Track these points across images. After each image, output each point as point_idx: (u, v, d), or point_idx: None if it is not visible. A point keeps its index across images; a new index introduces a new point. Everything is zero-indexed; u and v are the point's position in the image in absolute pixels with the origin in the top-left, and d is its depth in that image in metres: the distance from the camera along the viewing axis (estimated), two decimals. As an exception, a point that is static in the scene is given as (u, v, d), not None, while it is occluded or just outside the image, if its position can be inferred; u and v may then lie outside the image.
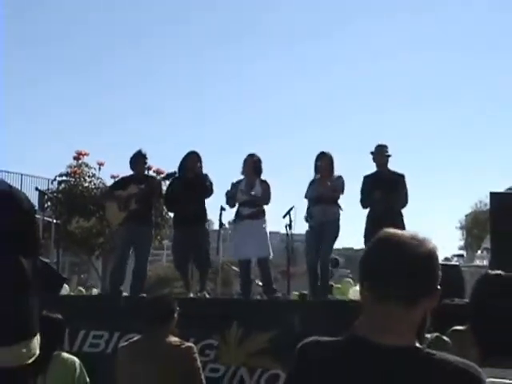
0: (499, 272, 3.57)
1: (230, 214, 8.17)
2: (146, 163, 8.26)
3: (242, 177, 8.03)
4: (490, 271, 3.60)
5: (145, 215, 7.91)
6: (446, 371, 1.67)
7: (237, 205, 7.92)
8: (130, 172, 8.14)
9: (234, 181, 8.01)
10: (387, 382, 1.66)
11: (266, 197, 7.89)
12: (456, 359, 1.73)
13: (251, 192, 7.77)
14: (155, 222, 13.88)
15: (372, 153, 7.96)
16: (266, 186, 7.92)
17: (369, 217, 7.72)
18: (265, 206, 7.96)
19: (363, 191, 7.92)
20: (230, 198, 7.90)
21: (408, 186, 7.88)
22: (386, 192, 7.53)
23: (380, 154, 7.91)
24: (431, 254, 1.76)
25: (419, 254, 1.73)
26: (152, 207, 8.31)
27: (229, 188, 7.96)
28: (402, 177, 7.88)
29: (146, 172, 8.35)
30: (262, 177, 8.04)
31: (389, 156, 7.95)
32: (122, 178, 8.40)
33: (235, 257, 8.62)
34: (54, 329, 4.28)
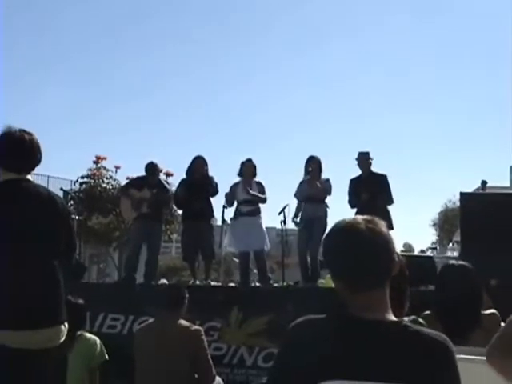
0: (461, 263, 3.62)
1: (231, 211, 8.19)
2: (158, 173, 8.26)
3: (238, 179, 8.00)
4: (450, 261, 3.65)
5: (157, 216, 7.95)
6: (420, 339, 1.69)
7: (235, 203, 7.94)
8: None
9: (232, 183, 8.00)
10: (370, 350, 1.66)
11: (263, 196, 7.93)
12: (429, 331, 1.75)
13: (250, 191, 7.80)
14: (165, 218, 13.98)
15: (356, 159, 7.96)
16: (261, 186, 7.94)
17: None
18: (261, 205, 7.95)
19: (350, 193, 7.89)
20: (229, 198, 7.92)
21: (391, 184, 7.84)
22: (372, 193, 7.52)
23: (363, 160, 7.91)
24: (385, 235, 1.74)
25: (375, 240, 1.72)
26: (163, 208, 8.33)
27: (227, 190, 7.96)
28: (384, 177, 7.85)
29: (157, 178, 8.33)
30: (256, 179, 8.05)
31: (371, 160, 7.96)
32: (138, 178, 8.35)
33: (235, 249, 8.62)
34: (77, 312, 4.27)
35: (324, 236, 1.83)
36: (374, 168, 8.01)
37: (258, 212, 7.91)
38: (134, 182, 8.36)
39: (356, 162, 7.96)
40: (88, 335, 4.52)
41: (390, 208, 7.74)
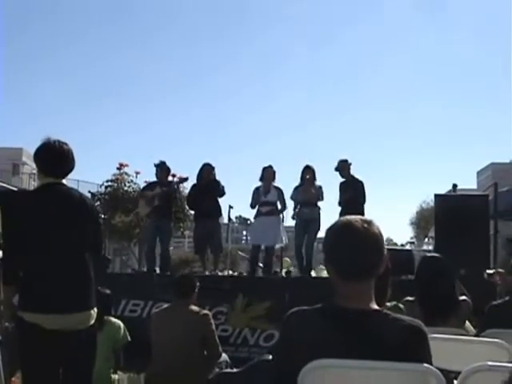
0: (436, 254, 3.62)
1: (236, 211, 8.22)
2: (168, 171, 8.22)
3: (259, 183, 7.98)
4: (426, 254, 3.65)
5: (166, 211, 7.91)
6: (399, 325, 1.70)
7: (257, 206, 7.90)
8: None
9: (254, 187, 7.95)
10: (354, 336, 1.66)
11: (283, 203, 7.90)
12: (407, 318, 1.77)
13: (267, 198, 7.78)
14: (178, 217, 13.99)
15: (336, 166, 8.02)
16: (279, 190, 7.90)
17: (341, 213, 7.81)
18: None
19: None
20: (252, 201, 7.89)
21: (366, 188, 7.93)
22: (352, 194, 7.65)
23: (344, 166, 7.98)
24: (377, 235, 1.75)
25: (368, 237, 1.72)
26: (172, 205, 8.30)
27: (252, 194, 7.93)
28: (361, 183, 7.93)
29: (167, 177, 8.33)
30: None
31: (350, 165, 8.00)
32: (150, 183, 8.44)
33: (252, 242, 8.57)
34: (105, 300, 4.31)
35: (326, 230, 1.83)
36: (355, 173, 8.08)
37: (275, 212, 7.87)
38: (148, 186, 8.44)
39: (336, 169, 8.02)
40: (114, 320, 4.54)
41: (368, 206, 7.87)
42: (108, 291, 4.54)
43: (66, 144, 2.98)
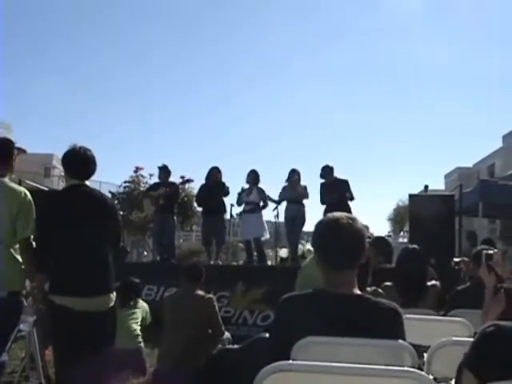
0: (414, 246, 3.63)
1: (237, 208, 8.23)
2: (169, 173, 8.15)
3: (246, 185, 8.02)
4: (408, 246, 3.65)
5: (169, 208, 7.89)
6: (378, 308, 1.71)
7: (243, 204, 7.97)
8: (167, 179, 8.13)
9: (240, 189, 8.00)
10: (340, 317, 1.67)
11: (265, 200, 7.92)
12: (385, 301, 1.78)
13: (250, 198, 7.81)
14: (187, 214, 13.99)
15: (321, 171, 7.98)
16: (261, 191, 7.91)
17: (326, 210, 7.78)
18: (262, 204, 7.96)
19: (322, 193, 7.88)
20: (238, 200, 7.97)
21: (352, 186, 7.89)
22: (339, 193, 7.58)
23: (327, 172, 7.94)
24: (361, 231, 1.75)
25: (353, 232, 1.72)
26: (174, 202, 8.25)
27: (237, 194, 7.99)
28: (347, 181, 7.89)
29: (168, 178, 8.24)
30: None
31: (333, 169, 7.96)
32: (153, 184, 8.39)
33: (242, 237, 8.66)
34: (137, 287, 4.94)
35: (315, 226, 1.81)
36: (337, 174, 8.05)
37: (257, 209, 7.90)
38: (151, 187, 8.41)
39: (321, 175, 7.96)
40: (143, 303, 4.85)
41: (353, 204, 7.82)
42: (138, 280, 4.95)
43: (89, 150, 2.98)
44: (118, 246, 3.05)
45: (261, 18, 59.68)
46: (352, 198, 7.84)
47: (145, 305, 4.84)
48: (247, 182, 7.99)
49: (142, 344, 4.57)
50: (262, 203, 7.91)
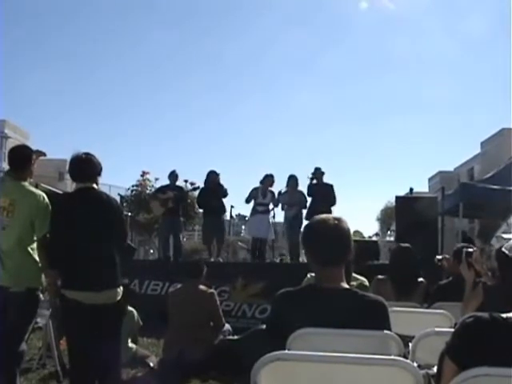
0: (407, 245, 3.65)
1: (236, 210, 8.22)
2: (176, 178, 8.13)
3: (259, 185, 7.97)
4: (401, 244, 3.68)
5: (177, 211, 7.86)
6: (365, 300, 1.71)
7: (253, 203, 7.90)
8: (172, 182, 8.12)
9: (253, 187, 7.95)
10: (330, 309, 1.67)
11: (276, 204, 7.93)
12: (371, 294, 1.78)
13: (264, 200, 7.81)
14: (190, 214, 13.98)
15: (312, 173, 7.99)
16: (273, 194, 7.93)
17: (309, 212, 7.76)
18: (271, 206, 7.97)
19: (309, 187, 7.94)
20: (248, 198, 7.91)
21: (336, 191, 7.91)
22: (323, 196, 7.62)
23: (319, 174, 7.96)
24: (346, 229, 1.74)
25: (339, 231, 1.72)
26: (181, 206, 8.22)
27: (250, 191, 7.94)
28: (331, 186, 7.93)
29: (177, 183, 8.25)
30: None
31: (323, 173, 7.98)
32: (161, 187, 8.32)
33: (249, 235, 8.56)
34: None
35: (304, 227, 1.83)
36: (326, 178, 8.08)
37: (267, 211, 7.91)
38: (160, 189, 8.34)
39: (313, 174, 7.97)
40: (130, 308, 4.31)
41: (344, 206, 7.92)
42: (126, 281, 4.49)
43: (92, 155, 2.98)
44: (123, 244, 3.04)
45: (262, 25, 58.87)
46: (334, 203, 7.85)
47: (132, 311, 4.35)
48: (262, 182, 7.93)
49: (135, 347, 4.37)
50: (272, 206, 7.92)
